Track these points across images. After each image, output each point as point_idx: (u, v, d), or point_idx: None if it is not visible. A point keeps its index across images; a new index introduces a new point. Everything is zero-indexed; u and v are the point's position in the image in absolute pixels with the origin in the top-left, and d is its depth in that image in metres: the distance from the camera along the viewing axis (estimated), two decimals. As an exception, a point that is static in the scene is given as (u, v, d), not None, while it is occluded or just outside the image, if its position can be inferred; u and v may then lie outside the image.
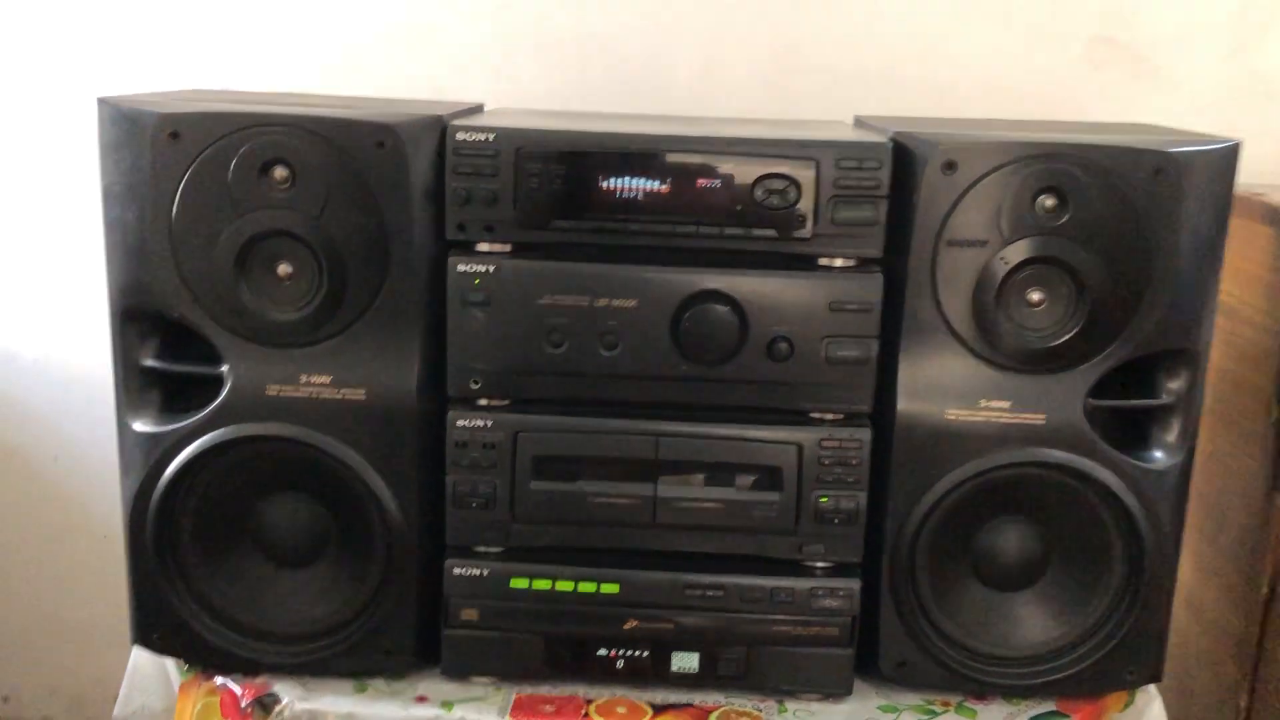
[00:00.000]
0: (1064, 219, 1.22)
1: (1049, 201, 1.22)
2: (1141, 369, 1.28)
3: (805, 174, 1.24)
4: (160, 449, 1.29)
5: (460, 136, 1.24)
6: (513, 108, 1.66)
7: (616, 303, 1.26)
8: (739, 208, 1.25)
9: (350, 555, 1.31)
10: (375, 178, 1.22)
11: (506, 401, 1.30)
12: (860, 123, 1.55)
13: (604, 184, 1.25)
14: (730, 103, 1.77)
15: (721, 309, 1.26)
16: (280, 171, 1.22)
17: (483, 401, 1.30)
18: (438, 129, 1.25)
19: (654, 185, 1.25)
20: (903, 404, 1.27)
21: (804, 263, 1.26)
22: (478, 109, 1.57)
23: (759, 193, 1.25)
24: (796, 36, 1.77)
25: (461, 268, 1.26)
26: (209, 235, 1.23)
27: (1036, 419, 1.27)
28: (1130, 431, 1.30)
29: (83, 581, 2.05)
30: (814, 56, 1.77)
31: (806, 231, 1.26)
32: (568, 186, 1.25)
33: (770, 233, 1.26)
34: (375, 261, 1.24)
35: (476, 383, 1.28)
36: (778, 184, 1.25)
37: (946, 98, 1.75)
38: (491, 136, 1.24)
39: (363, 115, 1.22)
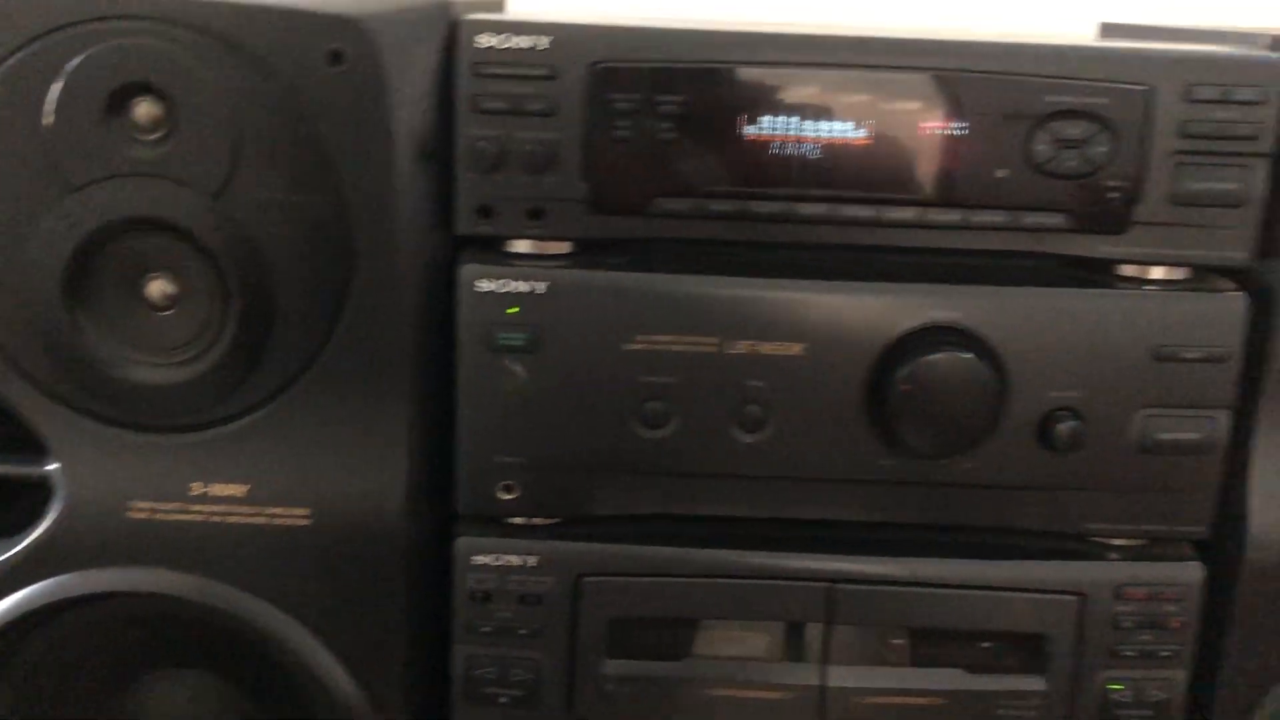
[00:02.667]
0: None
1: None
2: None
3: (1128, 113, 0.83)
4: (-67, 610, 0.90)
5: (486, 41, 0.83)
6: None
7: (768, 348, 0.86)
8: (1002, 174, 0.84)
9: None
10: (327, 121, 0.81)
11: (560, 521, 0.92)
12: (1112, 31, 1.19)
13: (750, 130, 0.84)
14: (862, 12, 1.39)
15: (963, 359, 0.85)
16: (147, 109, 0.80)
17: (520, 521, 0.92)
18: (442, 29, 0.85)
19: (844, 131, 0.84)
20: (1260, 521, 0.90)
21: (1098, 274, 0.89)
22: (496, 4, 1.01)
23: (1040, 145, 0.83)
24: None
25: (485, 285, 0.86)
26: (12, 227, 0.82)
27: None
28: None
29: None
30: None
31: (1122, 217, 0.85)
32: (686, 135, 0.84)
33: (1058, 219, 0.86)
34: (326, 275, 0.84)
35: (510, 489, 0.90)
36: (1077, 129, 0.83)
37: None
38: (545, 41, 0.82)
39: (304, 4, 0.81)
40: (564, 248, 0.88)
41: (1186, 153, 0.83)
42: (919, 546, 0.92)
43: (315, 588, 0.89)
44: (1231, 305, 0.86)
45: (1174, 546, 0.93)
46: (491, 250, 0.88)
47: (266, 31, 0.79)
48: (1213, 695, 0.94)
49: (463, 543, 0.90)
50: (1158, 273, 0.88)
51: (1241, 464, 0.90)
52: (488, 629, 0.91)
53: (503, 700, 0.92)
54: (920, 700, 0.93)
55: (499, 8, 1.18)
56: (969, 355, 0.85)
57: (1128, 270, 0.88)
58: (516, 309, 0.85)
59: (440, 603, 0.93)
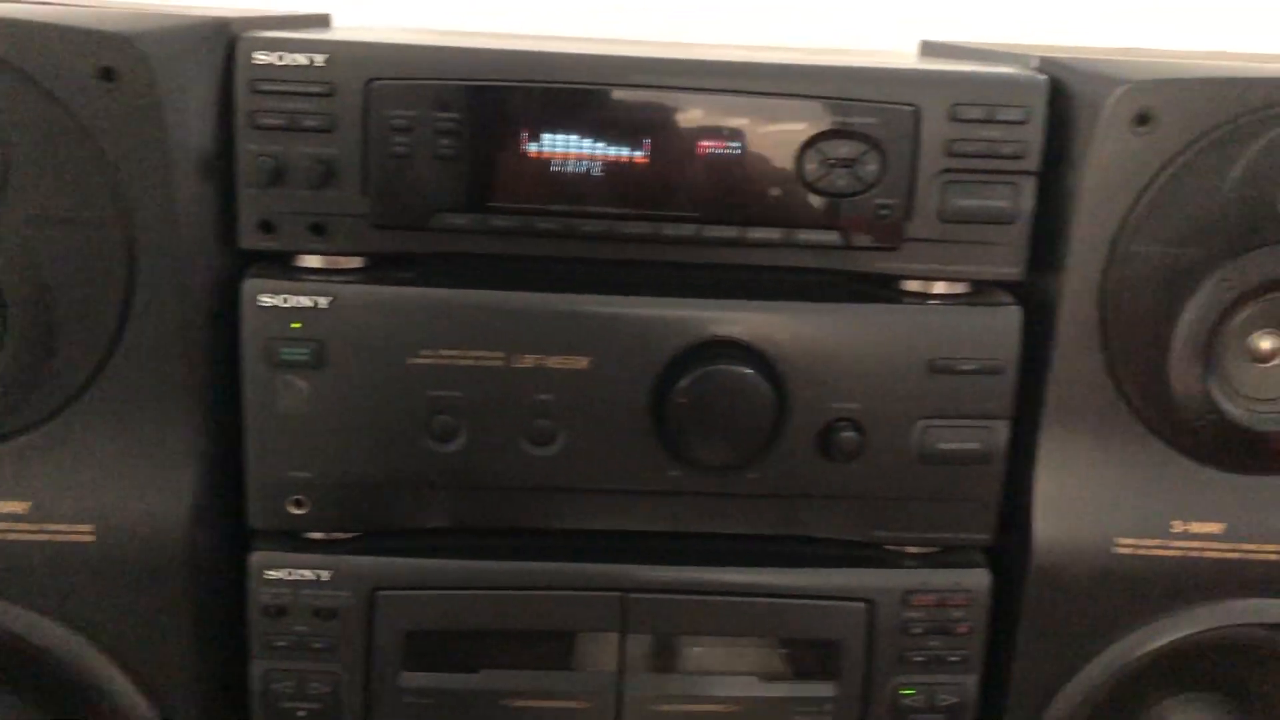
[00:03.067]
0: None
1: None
2: None
3: (895, 132, 0.84)
4: None
5: (263, 58, 0.82)
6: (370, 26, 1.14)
7: (554, 362, 0.86)
8: (775, 192, 0.85)
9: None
10: (102, 138, 0.80)
11: (355, 535, 0.91)
12: (932, 51, 1.20)
13: (531, 147, 0.84)
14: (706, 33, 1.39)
15: (742, 372, 0.86)
16: (-90, 127, 0.79)
17: (320, 536, 0.91)
18: (220, 45, 0.84)
19: (623, 151, 0.85)
20: (1044, 529, 0.91)
21: (884, 289, 0.90)
22: (321, 20, 1.00)
23: (811, 165, 0.84)
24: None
25: (268, 300, 0.85)
26: None
27: (1271, 552, 0.91)
28: None
29: None
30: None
31: (895, 234, 0.86)
32: (465, 151, 0.84)
33: (830, 236, 0.87)
34: (109, 291, 0.83)
35: (300, 504, 0.89)
36: (846, 149, 0.84)
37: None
38: (322, 58, 0.82)
39: (75, 20, 0.79)
40: (356, 263, 0.87)
41: (954, 171, 0.85)
42: (714, 555, 0.92)
43: (103, 605, 0.87)
44: (1006, 318, 0.88)
45: (966, 553, 0.94)
46: (276, 266, 0.87)
47: (35, 48, 0.78)
48: (1003, 699, 0.94)
49: (256, 557, 0.89)
50: (940, 287, 0.89)
51: (1025, 472, 0.91)
52: (283, 643, 0.90)
53: (301, 714, 0.91)
54: (715, 707, 0.93)
55: (326, 23, 1.18)
56: (746, 369, 0.85)
57: (911, 285, 0.89)
58: (299, 324, 0.85)
59: (244, 618, 0.92)
